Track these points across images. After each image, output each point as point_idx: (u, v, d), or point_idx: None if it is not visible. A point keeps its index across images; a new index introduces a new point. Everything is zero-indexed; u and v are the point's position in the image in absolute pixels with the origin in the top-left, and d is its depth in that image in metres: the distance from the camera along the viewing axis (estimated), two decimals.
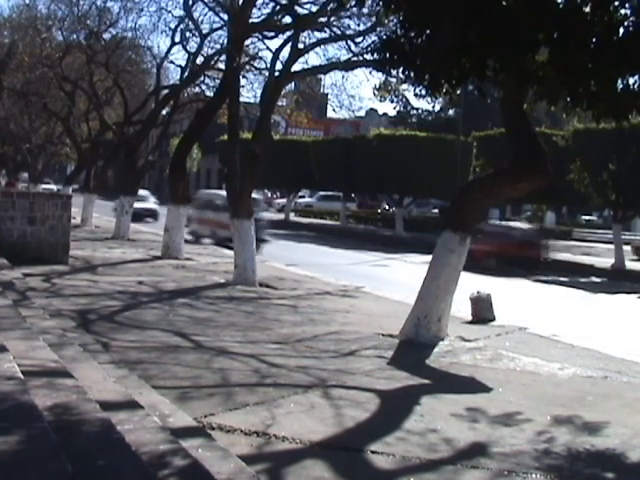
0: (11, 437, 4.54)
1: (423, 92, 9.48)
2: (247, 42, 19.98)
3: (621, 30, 7.93)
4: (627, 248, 27.67)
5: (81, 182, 35.30)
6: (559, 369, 9.31)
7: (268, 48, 22.18)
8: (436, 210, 44.47)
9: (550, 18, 7.83)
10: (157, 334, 9.86)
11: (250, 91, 27.88)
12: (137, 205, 31.03)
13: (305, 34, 18.46)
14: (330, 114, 51.51)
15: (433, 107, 62.65)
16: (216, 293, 14.00)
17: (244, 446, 5.85)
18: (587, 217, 51.48)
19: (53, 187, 51.72)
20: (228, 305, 12.78)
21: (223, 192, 25.10)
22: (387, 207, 46.63)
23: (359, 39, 17.79)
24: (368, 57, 16.35)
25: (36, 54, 28.19)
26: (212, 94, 24.52)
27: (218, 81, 23.38)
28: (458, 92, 14.61)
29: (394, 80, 18.37)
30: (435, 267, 10.64)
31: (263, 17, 18.70)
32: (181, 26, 24.60)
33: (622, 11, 8.01)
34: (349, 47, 18.34)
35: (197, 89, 28.01)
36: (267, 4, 18.68)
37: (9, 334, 7.58)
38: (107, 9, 28.27)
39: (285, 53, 17.03)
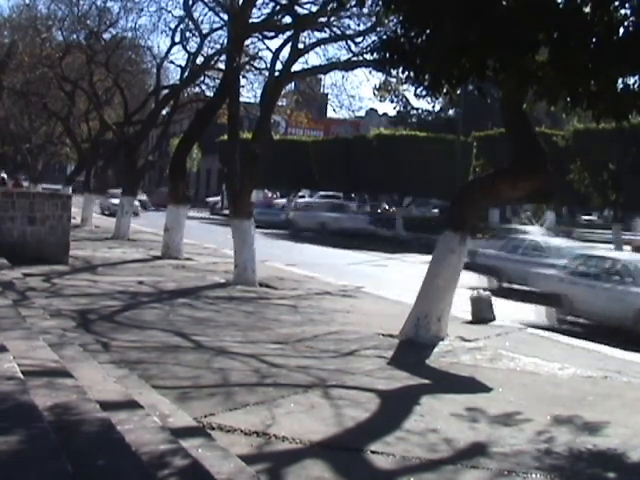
0: (11, 437, 4.54)
1: (423, 92, 9.48)
2: (247, 42, 20.01)
3: (621, 30, 7.93)
4: (627, 248, 27.66)
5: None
6: (559, 369, 9.30)
7: (268, 48, 22.26)
8: (436, 210, 44.43)
9: (550, 18, 7.83)
10: (157, 334, 9.86)
11: (250, 91, 27.91)
12: None
13: (305, 34, 18.48)
14: (330, 114, 51.51)
15: (433, 107, 62.48)
16: (216, 293, 13.99)
17: (244, 446, 5.85)
18: (587, 217, 51.42)
19: (114, 200, 33.47)
20: (228, 305, 12.78)
21: None
22: (387, 207, 46.56)
23: (359, 39, 17.82)
24: (368, 57, 16.36)
25: (36, 54, 28.21)
26: (212, 94, 24.54)
27: (218, 81, 23.40)
28: (458, 92, 14.59)
29: (394, 80, 18.37)
30: (435, 267, 10.64)
31: (263, 17, 18.75)
32: (181, 26, 24.70)
33: (622, 11, 8.01)
34: (349, 47, 18.38)
35: (197, 89, 28.06)
36: (267, 4, 18.74)
37: (9, 334, 7.58)
38: (107, 9, 28.39)
39: (285, 53, 17.07)
